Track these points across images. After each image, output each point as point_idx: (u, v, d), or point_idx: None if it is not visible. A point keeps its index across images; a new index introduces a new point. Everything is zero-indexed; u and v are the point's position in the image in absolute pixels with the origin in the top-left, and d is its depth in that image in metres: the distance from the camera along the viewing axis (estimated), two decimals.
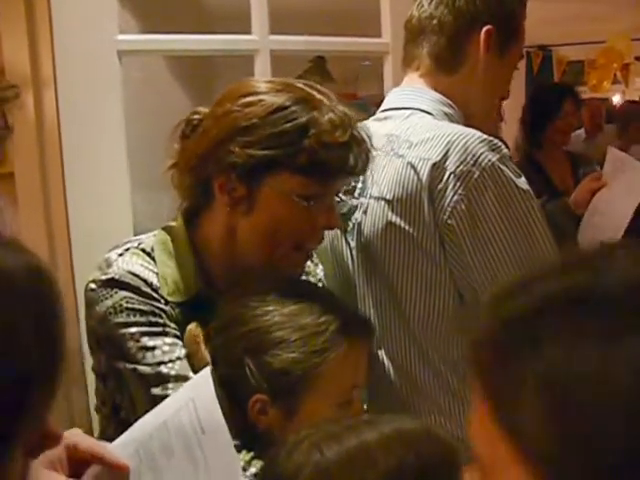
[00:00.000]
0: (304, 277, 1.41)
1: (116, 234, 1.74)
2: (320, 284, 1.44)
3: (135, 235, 1.40)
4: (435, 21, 1.46)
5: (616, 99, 8.34)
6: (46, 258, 1.98)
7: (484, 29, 1.44)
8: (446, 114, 1.44)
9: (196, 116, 1.28)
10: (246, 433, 1.17)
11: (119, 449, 0.98)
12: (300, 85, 1.25)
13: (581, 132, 5.27)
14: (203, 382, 1.03)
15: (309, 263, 1.42)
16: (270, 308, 1.19)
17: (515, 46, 1.50)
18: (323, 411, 1.17)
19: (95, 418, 1.39)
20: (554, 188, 3.10)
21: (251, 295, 1.22)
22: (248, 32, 2.07)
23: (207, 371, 1.05)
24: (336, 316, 1.20)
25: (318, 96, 1.23)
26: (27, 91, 2.07)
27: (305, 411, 1.17)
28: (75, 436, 0.95)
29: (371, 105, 2.09)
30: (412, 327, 1.36)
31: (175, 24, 2.18)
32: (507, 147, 2.84)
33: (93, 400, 1.36)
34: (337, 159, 1.20)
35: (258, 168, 1.19)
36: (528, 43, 8.02)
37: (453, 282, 1.33)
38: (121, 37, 1.98)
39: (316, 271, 1.45)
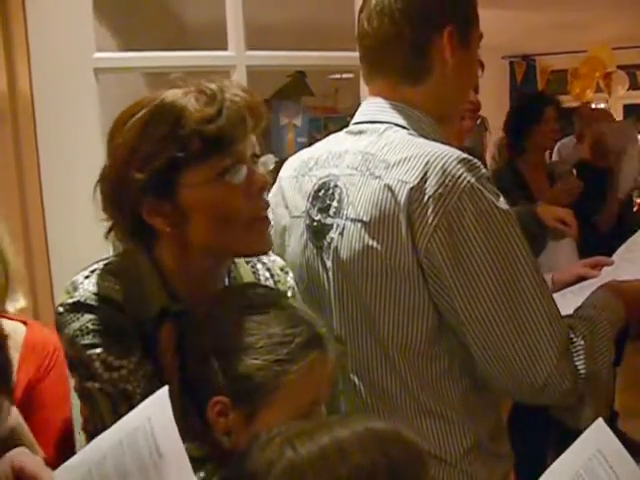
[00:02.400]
0: (273, 285, 1.41)
1: (95, 252, 1.74)
2: (290, 292, 1.44)
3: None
4: (393, 35, 1.40)
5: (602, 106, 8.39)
6: (25, 280, 1.98)
7: (446, 32, 1.39)
8: (421, 127, 1.41)
9: (105, 169, 1.28)
10: (202, 437, 1.19)
11: (73, 469, 0.97)
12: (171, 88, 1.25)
13: (571, 138, 5.29)
14: (160, 402, 1.03)
15: (278, 271, 1.43)
16: (241, 314, 1.21)
17: (475, 32, 1.45)
18: (281, 422, 1.17)
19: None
20: (531, 196, 3.13)
21: (224, 302, 1.24)
22: (225, 47, 2.08)
23: (165, 390, 1.04)
24: (304, 329, 1.20)
25: (185, 86, 1.23)
26: (4, 109, 2.07)
27: (262, 420, 1.17)
28: (22, 455, 0.96)
29: (350, 118, 2.10)
30: (389, 349, 1.35)
31: (152, 40, 2.19)
32: (482, 162, 2.85)
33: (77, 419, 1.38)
34: (221, 128, 1.19)
35: (165, 177, 1.20)
36: (511, 53, 8.08)
37: (432, 305, 1.32)
38: (98, 55, 1.99)
39: (286, 279, 1.45)
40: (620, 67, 8.00)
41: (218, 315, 1.22)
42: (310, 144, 1.61)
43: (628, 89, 8.30)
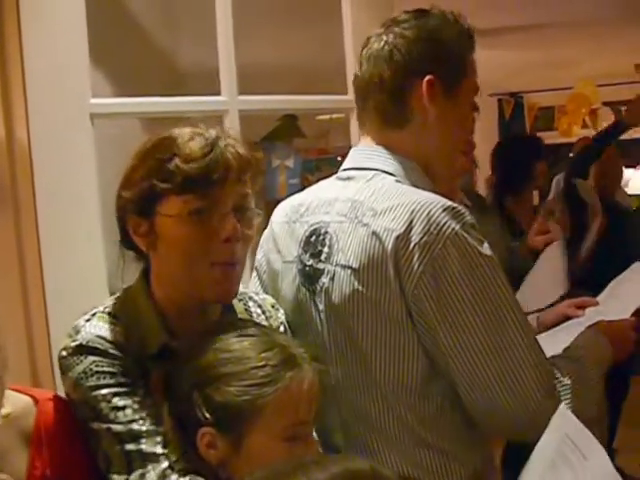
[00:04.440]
0: (265, 322, 1.45)
1: (91, 296, 1.76)
2: (282, 327, 1.47)
3: (111, 295, 1.45)
4: (376, 78, 1.45)
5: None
6: (21, 322, 1.99)
7: (425, 80, 1.43)
8: (408, 174, 1.44)
9: None
10: (203, 470, 1.22)
11: None
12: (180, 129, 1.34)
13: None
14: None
15: (270, 308, 1.48)
16: (217, 346, 1.25)
17: (465, 84, 1.49)
18: (270, 445, 1.21)
19: None
20: (522, 232, 3.16)
21: (204, 338, 1.28)
22: (218, 91, 2.12)
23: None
24: (278, 351, 1.24)
25: (198, 131, 1.32)
26: (1, 154, 2.09)
27: (251, 444, 1.21)
28: None
29: (342, 158, 2.13)
30: (383, 388, 1.37)
31: (146, 85, 2.22)
32: (475, 198, 2.88)
33: None
34: (202, 169, 1.26)
35: (146, 201, 1.29)
36: (499, 90, 8.18)
37: (422, 347, 1.35)
38: (94, 101, 2.02)
39: (277, 315, 1.48)
40: (605, 103, 8.10)
41: (198, 350, 1.26)
42: (303, 185, 1.64)
43: None
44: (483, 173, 4.57)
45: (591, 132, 7.77)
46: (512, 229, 3.15)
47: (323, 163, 4.25)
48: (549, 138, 7.24)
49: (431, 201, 1.33)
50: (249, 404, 1.20)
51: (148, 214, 1.30)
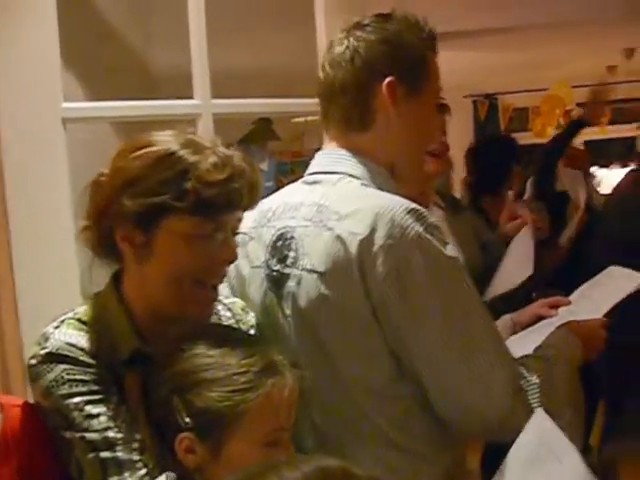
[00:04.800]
0: (235, 325, 1.45)
1: (65, 300, 1.75)
2: (253, 330, 1.47)
3: (84, 299, 1.43)
4: (338, 82, 1.46)
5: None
6: None
7: (385, 82, 1.43)
8: (373, 177, 1.44)
9: (102, 177, 1.33)
10: (180, 476, 1.21)
11: None
12: (189, 136, 1.32)
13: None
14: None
15: (239, 311, 1.48)
16: (197, 352, 1.24)
17: (428, 86, 1.49)
18: (249, 451, 1.20)
19: None
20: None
21: (182, 342, 1.27)
22: (191, 95, 2.12)
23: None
24: (259, 358, 1.24)
25: (202, 142, 1.30)
26: None
27: (231, 451, 1.20)
28: None
29: None
30: (352, 391, 1.37)
31: (119, 89, 2.21)
32: (450, 201, 2.89)
33: None
34: (220, 195, 1.25)
35: (151, 215, 1.26)
36: (474, 92, 8.23)
37: (389, 350, 1.35)
38: (66, 105, 2.01)
39: (247, 318, 1.48)
40: (580, 105, 8.16)
41: (176, 356, 1.25)
42: (278, 188, 1.64)
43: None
44: (458, 174, 4.59)
45: None
46: (490, 231, 3.16)
47: (298, 166, 4.23)
48: (523, 139, 7.28)
49: (394, 204, 1.33)
50: (231, 410, 1.19)
51: (149, 227, 1.27)
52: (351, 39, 1.47)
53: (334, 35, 1.52)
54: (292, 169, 4.24)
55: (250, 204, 1.33)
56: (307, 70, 2.25)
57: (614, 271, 1.89)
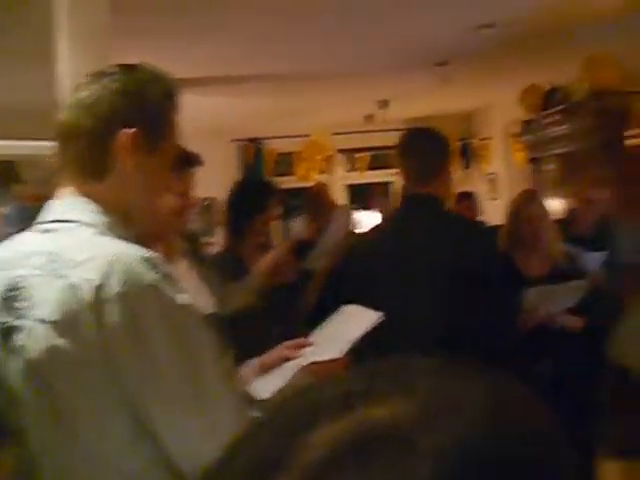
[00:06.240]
0: None
1: None
2: None
3: None
4: (77, 127, 1.45)
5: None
6: None
7: (123, 132, 1.44)
8: (110, 225, 1.43)
9: None
10: None
11: None
12: None
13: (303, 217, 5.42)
14: None
15: None
16: None
17: (166, 143, 1.52)
18: None
19: None
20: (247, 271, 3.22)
21: None
22: None
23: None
24: None
25: None
26: None
27: None
28: None
29: None
30: (88, 447, 1.32)
31: None
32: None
33: None
34: None
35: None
36: (240, 136, 8.36)
37: (125, 402, 1.31)
38: None
39: None
40: (340, 150, 8.59)
41: None
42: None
43: (348, 170, 8.95)
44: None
45: (328, 177, 8.21)
46: (241, 270, 3.18)
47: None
48: (288, 182, 7.52)
49: (130, 252, 1.33)
50: None
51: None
52: (96, 85, 1.46)
53: (78, 79, 1.50)
54: (38, 213, 4.04)
55: None
56: (44, 111, 2.18)
57: (349, 309, 1.97)
